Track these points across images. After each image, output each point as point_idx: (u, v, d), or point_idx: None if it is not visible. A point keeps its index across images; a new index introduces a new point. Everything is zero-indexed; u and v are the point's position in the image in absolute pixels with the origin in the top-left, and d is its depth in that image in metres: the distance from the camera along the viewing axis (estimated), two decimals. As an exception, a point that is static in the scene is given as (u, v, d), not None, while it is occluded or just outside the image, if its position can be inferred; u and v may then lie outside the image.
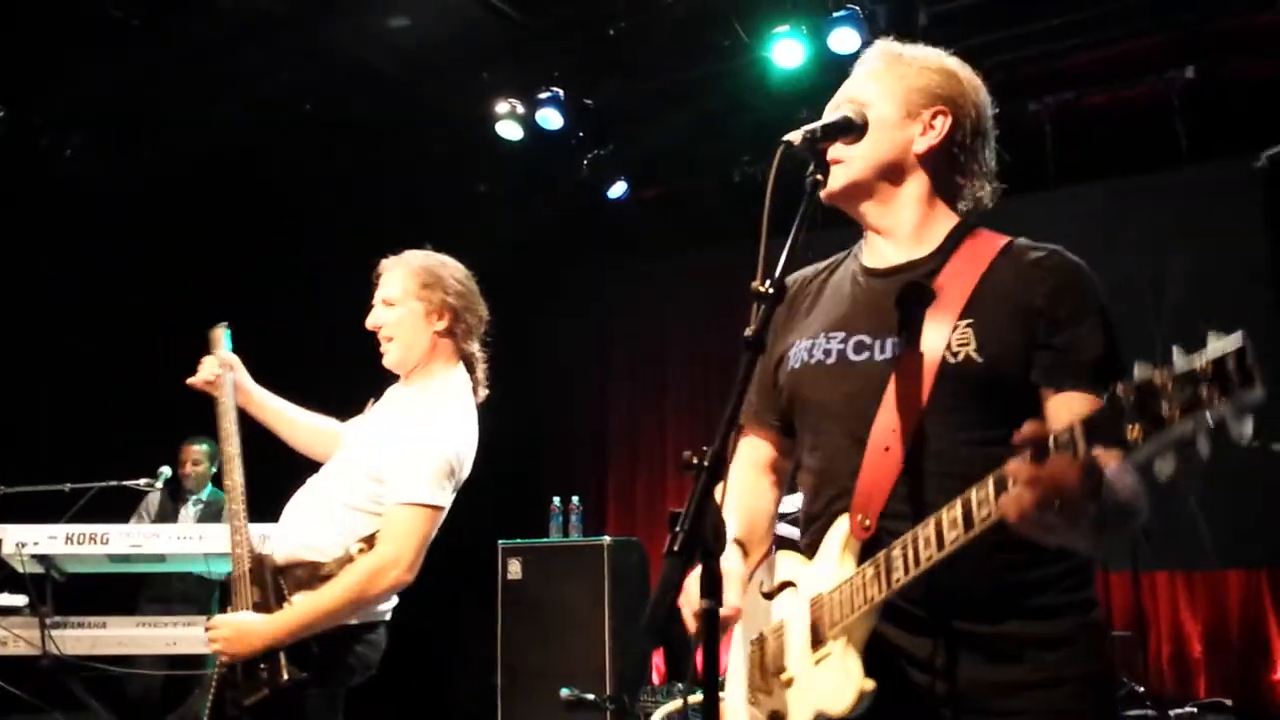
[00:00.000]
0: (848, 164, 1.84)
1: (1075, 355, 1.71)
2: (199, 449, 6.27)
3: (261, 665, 2.65)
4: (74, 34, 5.72)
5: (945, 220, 1.89)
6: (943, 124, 1.86)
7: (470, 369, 3.02)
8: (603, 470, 8.57)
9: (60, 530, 4.39)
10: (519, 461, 7.97)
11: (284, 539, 2.82)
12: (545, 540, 6.39)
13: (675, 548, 1.34)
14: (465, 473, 2.87)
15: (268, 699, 2.63)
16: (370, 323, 2.98)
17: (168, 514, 6.17)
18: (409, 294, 2.95)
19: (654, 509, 8.15)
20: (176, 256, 6.77)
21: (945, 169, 1.88)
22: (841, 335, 1.85)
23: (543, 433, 8.62)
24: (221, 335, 3.16)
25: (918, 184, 1.88)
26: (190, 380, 3.08)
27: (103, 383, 6.42)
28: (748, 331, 1.53)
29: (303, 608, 2.67)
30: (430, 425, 2.78)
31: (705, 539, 1.36)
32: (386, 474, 2.74)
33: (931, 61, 1.91)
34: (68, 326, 6.39)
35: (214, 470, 6.28)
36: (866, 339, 1.82)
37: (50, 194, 6.42)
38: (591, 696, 5.65)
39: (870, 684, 1.63)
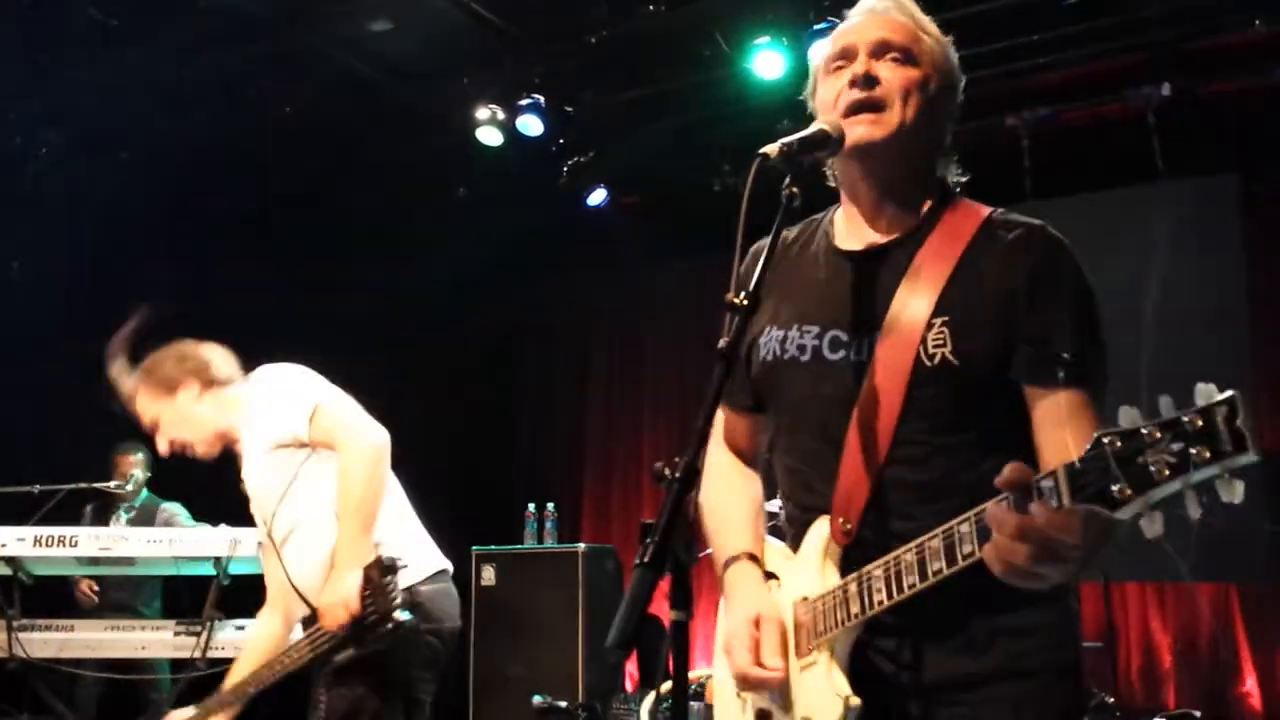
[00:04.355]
0: (904, 106, 1.76)
1: (1056, 348, 1.66)
2: (134, 457, 6.07)
3: (369, 615, 2.73)
4: (51, 33, 5.67)
5: (929, 191, 1.85)
6: (950, 97, 1.85)
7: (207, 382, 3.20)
8: (578, 477, 8.55)
9: (28, 532, 4.34)
10: (494, 467, 7.96)
11: (302, 580, 2.98)
12: (519, 547, 6.37)
13: (645, 559, 1.34)
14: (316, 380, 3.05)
15: (391, 630, 2.70)
16: (161, 450, 3.23)
17: (97, 523, 5.98)
18: (159, 403, 3.17)
19: (629, 517, 8.13)
20: (149, 259, 6.71)
21: (940, 142, 1.86)
22: (816, 330, 1.81)
23: (518, 439, 8.60)
24: None
25: (923, 153, 1.84)
26: None
27: (74, 385, 6.35)
28: (721, 343, 1.53)
29: (342, 530, 2.81)
30: (260, 404, 3.04)
31: (676, 551, 1.36)
32: (284, 442, 2.96)
33: (936, 30, 1.88)
34: (39, 328, 6.32)
35: (149, 476, 6.16)
36: (842, 335, 1.78)
37: (23, 195, 6.36)
38: (564, 704, 5.64)
39: (857, 700, 1.63)
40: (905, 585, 1.56)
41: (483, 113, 6.81)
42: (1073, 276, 1.72)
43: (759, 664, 1.72)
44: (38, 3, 5.51)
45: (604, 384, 8.67)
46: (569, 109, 6.94)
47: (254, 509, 3.14)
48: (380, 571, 2.71)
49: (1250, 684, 6.06)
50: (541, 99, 6.73)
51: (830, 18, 5.86)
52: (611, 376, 8.65)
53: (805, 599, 1.74)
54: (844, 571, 1.71)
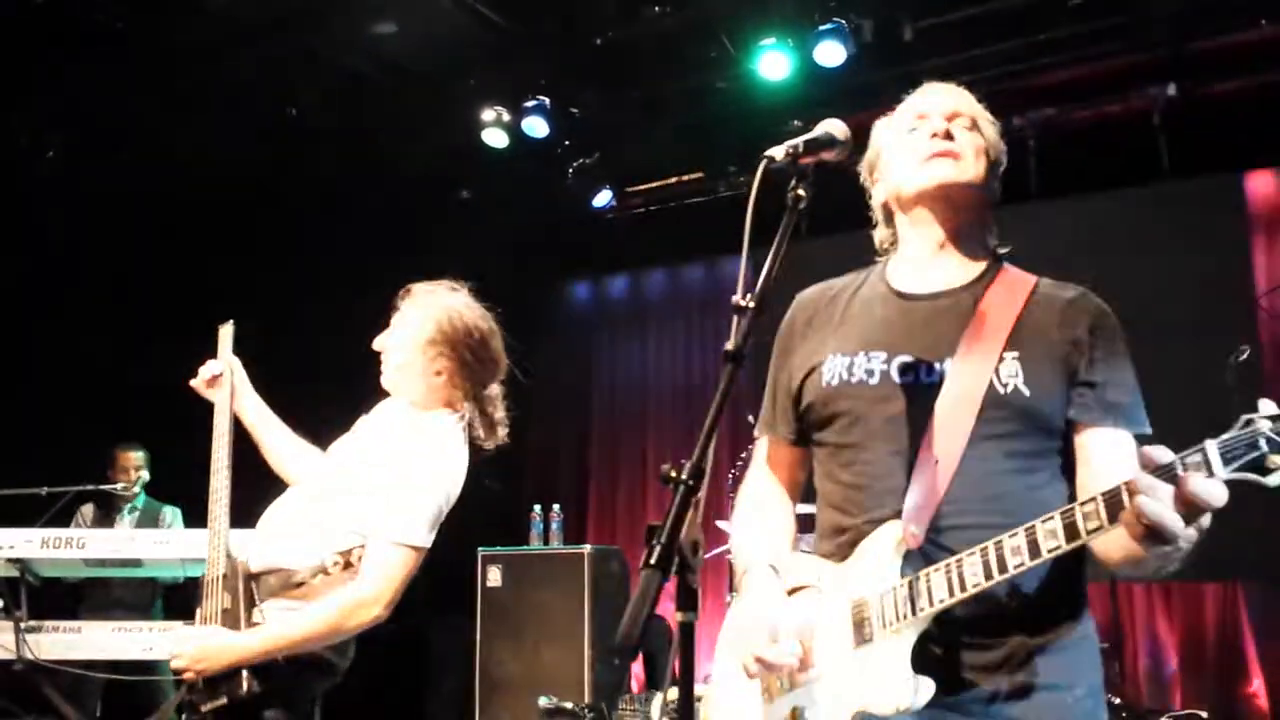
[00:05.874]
0: (976, 162, 1.96)
1: (1112, 394, 1.82)
2: (136, 455, 6.06)
3: (222, 678, 2.61)
4: (57, 36, 5.69)
5: (985, 252, 2.01)
6: (998, 175, 2.03)
7: (481, 411, 2.99)
8: (584, 479, 8.56)
9: (36, 534, 4.35)
10: (500, 469, 7.94)
11: (260, 546, 2.81)
12: (525, 548, 6.38)
13: (652, 561, 1.35)
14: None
15: (224, 708, 2.60)
16: (376, 343, 2.94)
17: (100, 524, 5.95)
18: (415, 342, 2.89)
19: (635, 518, 8.14)
20: (156, 262, 6.73)
21: (991, 208, 2.04)
22: (884, 355, 1.90)
23: (524, 441, 8.60)
24: (226, 334, 3.10)
25: (983, 211, 2.01)
26: (192, 382, 3.05)
27: (80, 386, 6.37)
28: (728, 345, 1.54)
29: (274, 632, 2.64)
30: (433, 467, 2.77)
31: (682, 553, 1.37)
32: (380, 502, 2.71)
33: (990, 117, 2.07)
34: (46, 329, 6.34)
35: (147, 478, 6.13)
36: (910, 359, 1.87)
37: (30, 196, 6.38)
38: (570, 705, 5.64)
39: (931, 683, 1.68)
40: (1010, 565, 1.61)
41: (488, 114, 6.83)
42: (1121, 335, 1.89)
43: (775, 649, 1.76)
44: (43, 4, 5.52)
45: (609, 386, 8.67)
46: (574, 110, 6.95)
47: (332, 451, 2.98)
48: (253, 682, 2.58)
49: (1257, 684, 6.05)
50: (547, 100, 6.74)
51: (835, 19, 5.87)
52: (617, 378, 8.65)
53: (865, 598, 1.78)
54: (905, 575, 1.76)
